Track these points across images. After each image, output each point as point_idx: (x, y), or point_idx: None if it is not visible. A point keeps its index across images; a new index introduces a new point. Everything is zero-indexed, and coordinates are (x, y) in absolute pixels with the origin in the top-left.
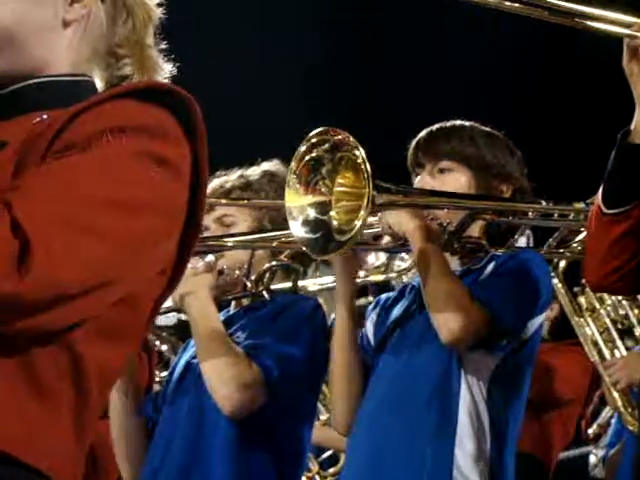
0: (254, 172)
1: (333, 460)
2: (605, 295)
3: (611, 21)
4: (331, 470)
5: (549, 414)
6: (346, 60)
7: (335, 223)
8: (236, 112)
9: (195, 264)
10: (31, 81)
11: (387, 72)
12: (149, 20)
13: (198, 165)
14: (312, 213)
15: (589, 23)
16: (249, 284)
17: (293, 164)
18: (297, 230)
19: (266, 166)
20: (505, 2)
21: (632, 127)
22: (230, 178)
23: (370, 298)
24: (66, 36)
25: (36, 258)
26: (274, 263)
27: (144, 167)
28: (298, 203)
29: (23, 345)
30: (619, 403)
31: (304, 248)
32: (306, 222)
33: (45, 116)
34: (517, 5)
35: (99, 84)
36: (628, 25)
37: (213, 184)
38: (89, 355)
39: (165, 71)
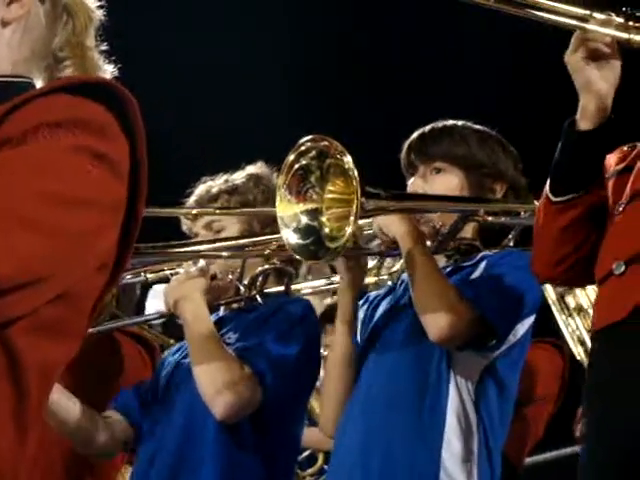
0: (239, 176)
1: (312, 460)
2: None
3: (565, 14)
4: (310, 470)
5: (519, 412)
6: (330, 60)
7: (326, 230)
8: (218, 113)
9: (188, 269)
10: None
11: (374, 72)
12: (90, 22)
13: (137, 161)
14: (303, 220)
15: (542, 14)
16: (242, 288)
17: (282, 177)
18: (289, 237)
19: (251, 169)
20: None
21: (577, 116)
22: (216, 183)
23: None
24: (4, 36)
25: None
26: (266, 267)
27: (81, 162)
28: (290, 212)
29: None
30: None
31: (295, 255)
32: (297, 229)
33: None
34: None
35: (39, 86)
36: (583, 19)
37: (199, 190)
38: (27, 353)
39: (107, 72)
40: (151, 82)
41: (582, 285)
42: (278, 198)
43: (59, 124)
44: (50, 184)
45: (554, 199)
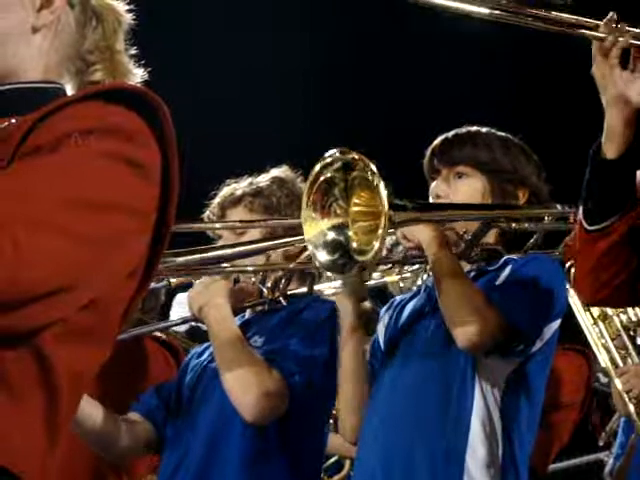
0: (263, 179)
1: (338, 466)
2: None
3: (576, 25)
4: (336, 477)
5: (544, 419)
6: (346, 63)
7: (354, 244)
8: (236, 117)
9: None
10: (1, 88)
11: (389, 77)
12: (119, 26)
13: (168, 167)
14: (330, 235)
15: (564, 29)
16: (265, 291)
17: (305, 197)
18: (316, 253)
19: (275, 172)
20: (483, 11)
21: (602, 140)
22: (240, 185)
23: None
24: (35, 42)
25: (3, 258)
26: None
27: (112, 168)
28: (317, 229)
29: None
30: (632, 410)
31: (324, 270)
32: (325, 244)
33: (14, 120)
34: (501, 12)
35: (70, 91)
36: (593, 27)
37: (223, 192)
38: (58, 358)
39: (136, 76)
40: (172, 86)
41: (629, 306)
42: (303, 219)
43: (90, 131)
44: (81, 190)
45: (588, 227)
